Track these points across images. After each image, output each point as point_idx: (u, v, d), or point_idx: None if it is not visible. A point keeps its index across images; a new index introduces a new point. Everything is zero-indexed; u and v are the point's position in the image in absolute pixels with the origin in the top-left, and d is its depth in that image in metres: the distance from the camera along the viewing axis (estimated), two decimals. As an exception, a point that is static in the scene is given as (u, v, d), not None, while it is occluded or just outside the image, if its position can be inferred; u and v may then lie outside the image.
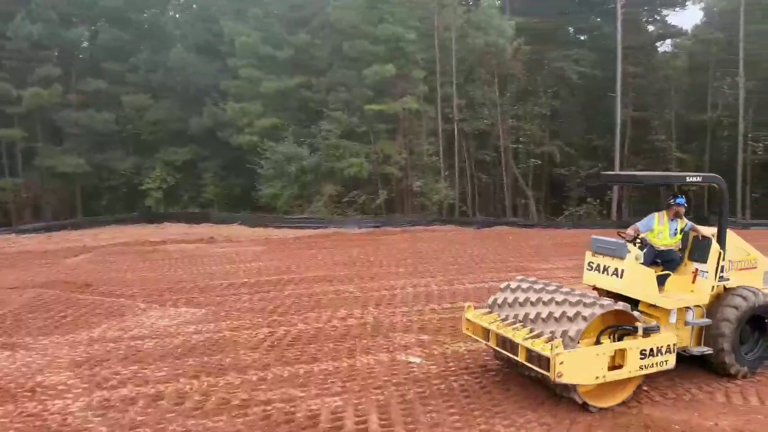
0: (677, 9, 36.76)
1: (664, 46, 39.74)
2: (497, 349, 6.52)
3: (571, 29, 36.76)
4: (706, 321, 6.68)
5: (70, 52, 31.34)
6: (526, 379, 6.72)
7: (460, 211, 30.24)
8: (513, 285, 7.05)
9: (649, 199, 36.75)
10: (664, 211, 7.22)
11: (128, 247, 20.16)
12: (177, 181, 30.85)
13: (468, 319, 7.03)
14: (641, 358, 5.90)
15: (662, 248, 7.14)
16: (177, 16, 35.88)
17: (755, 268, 7.33)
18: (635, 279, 6.52)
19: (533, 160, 31.06)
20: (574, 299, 6.15)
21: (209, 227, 26.19)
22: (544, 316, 6.14)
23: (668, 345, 6.07)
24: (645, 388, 6.44)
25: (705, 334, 6.75)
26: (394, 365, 7.37)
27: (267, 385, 6.72)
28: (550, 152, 31.85)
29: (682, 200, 7.18)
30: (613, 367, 5.83)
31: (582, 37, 36.76)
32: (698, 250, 7.12)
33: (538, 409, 5.97)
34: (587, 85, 33.35)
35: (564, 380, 5.53)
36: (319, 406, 6.05)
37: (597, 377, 5.72)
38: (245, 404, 6.13)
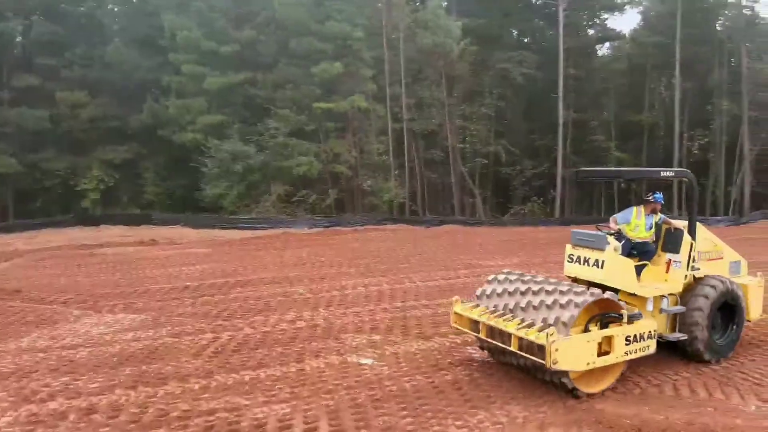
0: (616, 13, 38.29)
1: (604, 49, 41.41)
2: (487, 340, 6.65)
3: (515, 32, 37.59)
4: (681, 308, 7.06)
5: (1, 47, 29.34)
6: (479, 378, 6.68)
7: (411, 210, 30.33)
8: (500, 277, 7.20)
9: (585, 197, 38.37)
10: (642, 206, 7.56)
11: (63, 251, 19.05)
12: (115, 181, 29.39)
13: (456, 313, 7.13)
14: (626, 344, 6.18)
15: (638, 240, 7.45)
16: (115, 9, 34.29)
17: (722, 258, 7.78)
18: (615, 269, 6.79)
19: (480, 159, 31.54)
20: (564, 288, 6.40)
21: (150, 229, 25.07)
22: (535, 303, 6.31)
23: (650, 331, 6.40)
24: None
25: (679, 322, 7.09)
26: (344, 368, 7.17)
27: (210, 393, 6.37)
28: (495, 152, 32.45)
29: (660, 197, 7.50)
30: (600, 354, 6.04)
31: (525, 39, 37.66)
32: (671, 241, 7.48)
33: (490, 407, 5.92)
34: (531, 86, 34.19)
35: (559, 367, 5.68)
36: (265, 414, 5.77)
37: (588, 363, 5.93)
38: (186, 415, 5.76)
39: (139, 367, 7.24)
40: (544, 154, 34.30)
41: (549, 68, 33.11)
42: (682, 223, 7.60)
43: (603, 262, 6.82)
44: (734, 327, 7.50)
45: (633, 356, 6.29)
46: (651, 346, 6.43)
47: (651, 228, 7.47)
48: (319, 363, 7.38)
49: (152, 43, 29.99)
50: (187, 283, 12.86)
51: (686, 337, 6.99)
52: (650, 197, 7.53)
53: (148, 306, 10.69)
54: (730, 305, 7.38)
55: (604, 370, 6.27)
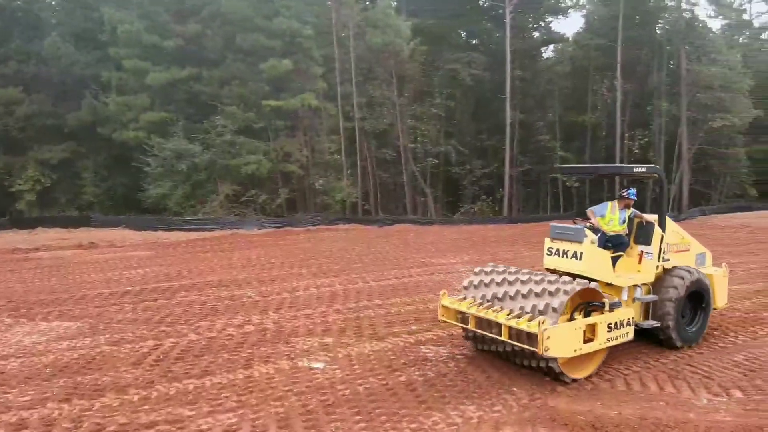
0: (560, 16, 39.36)
1: (549, 52, 42.53)
2: (476, 330, 6.88)
3: (463, 33, 38.05)
4: (653, 297, 7.48)
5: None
6: (434, 378, 6.59)
7: (363, 209, 30.17)
8: (487, 269, 7.45)
9: (531, 196, 39.36)
10: (616, 201, 7.99)
11: (-7, 255, 17.80)
12: (52, 182, 27.78)
13: (444, 306, 7.30)
14: (608, 332, 6.51)
15: (612, 233, 7.78)
16: (53, 2, 32.45)
17: (688, 250, 8.25)
18: (593, 261, 7.14)
19: (431, 159, 31.75)
20: (551, 278, 6.78)
21: (89, 232, 23.78)
22: (524, 292, 6.59)
23: (628, 319, 6.76)
24: (548, 378, 6.54)
25: (652, 310, 7.48)
26: (295, 373, 6.93)
27: (150, 405, 6.00)
28: (446, 152, 32.78)
29: (633, 193, 7.94)
30: (585, 342, 6.34)
31: (474, 41, 38.19)
32: (643, 234, 7.88)
33: (445, 408, 5.83)
34: (479, 87, 34.70)
35: (550, 354, 5.94)
36: (210, 425, 5.47)
37: (575, 350, 6.22)
38: (124, 429, 5.40)
39: (74, 378, 6.78)
40: (493, 154, 34.91)
41: (496, 70, 33.71)
42: (652, 217, 7.94)
43: (581, 253, 7.16)
44: (702, 315, 7.96)
45: (614, 343, 6.63)
46: (629, 333, 6.78)
47: (624, 222, 7.86)
48: (268, 368, 7.11)
49: (91, 38, 28.54)
50: (128, 288, 12.23)
51: (659, 324, 7.37)
52: (624, 193, 7.93)
53: (85, 313, 10.07)
54: (698, 294, 7.81)
55: (587, 357, 6.58)
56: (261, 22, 26.16)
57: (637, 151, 35.99)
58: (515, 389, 6.33)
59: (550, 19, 39.03)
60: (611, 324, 6.53)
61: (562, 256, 7.42)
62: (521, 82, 34.97)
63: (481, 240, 21.69)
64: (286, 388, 6.39)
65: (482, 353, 7.42)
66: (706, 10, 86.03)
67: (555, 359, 6.17)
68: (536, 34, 39.04)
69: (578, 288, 6.42)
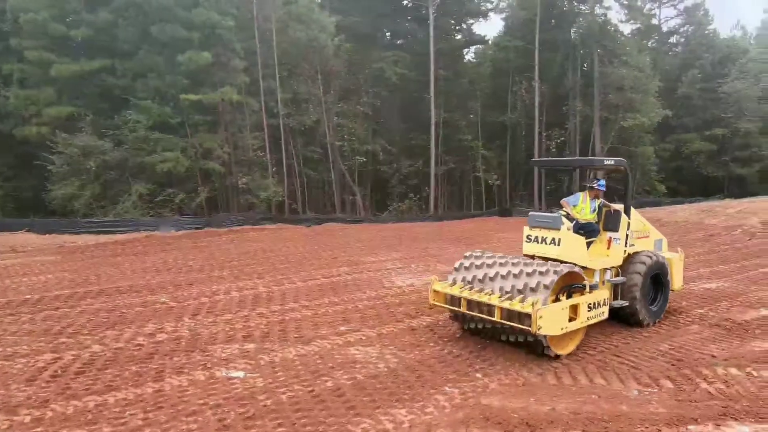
0: (481, 19, 40.24)
1: (470, 54, 43.49)
2: (469, 313, 7.28)
3: (388, 33, 38.05)
4: (622, 279, 8.18)
5: None
6: (363, 381, 6.23)
7: (290, 208, 29.35)
8: (476, 253, 7.88)
9: (456, 194, 40.14)
10: (587, 192, 8.53)
11: None
12: (-54, 183, 24.94)
13: (435, 290, 7.70)
14: (588, 311, 7.07)
15: (583, 221, 8.31)
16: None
17: (648, 237, 8.96)
18: (570, 246, 7.70)
19: (358, 157, 31.46)
20: (540, 261, 7.26)
21: (-14, 236, 21.52)
22: (515, 272, 7.04)
23: (604, 299, 7.40)
24: (479, 375, 6.38)
25: (621, 291, 8.18)
26: (212, 384, 6.34)
27: (44, 426, 5.28)
28: (373, 150, 32.63)
29: (602, 183, 8.50)
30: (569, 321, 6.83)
31: (399, 42, 38.29)
32: (611, 222, 8.47)
33: (374, 413, 5.50)
34: (405, 86, 34.82)
35: (543, 332, 6.43)
36: (111, 449, 4.83)
37: (562, 328, 6.71)
38: (5, 461, 4.65)
39: (-46, 401, 5.85)
40: (419, 152, 35.15)
41: (421, 69, 33.97)
42: (619, 206, 8.51)
43: (560, 240, 7.70)
44: (662, 295, 8.75)
45: (593, 321, 7.22)
46: (605, 312, 7.41)
47: (594, 210, 8.44)
48: (181, 380, 6.47)
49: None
50: (27, 296, 10.98)
51: (627, 304, 8.09)
52: (594, 184, 8.48)
53: (-30, 326, 8.88)
54: (658, 276, 8.58)
55: (568, 335, 7.10)
56: (179, 13, 24.70)
57: (554, 149, 37.51)
58: (447, 388, 6.12)
59: (471, 21, 39.84)
60: (590, 304, 7.10)
61: (541, 243, 7.92)
62: (445, 82, 35.46)
63: (409, 237, 21.63)
64: (201, 402, 5.82)
65: (411, 353, 7.17)
66: (618, 14, 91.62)
67: (544, 336, 6.62)
68: (459, 36, 39.70)
69: (566, 270, 6.92)
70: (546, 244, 7.85)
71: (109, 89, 25.78)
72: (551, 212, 8.44)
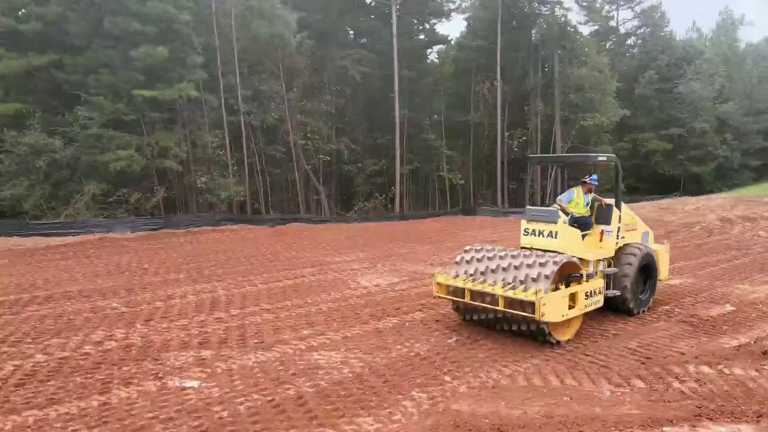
0: (444, 19, 40.24)
1: (434, 53, 43.47)
2: (472, 303, 7.51)
3: (351, 31, 37.64)
4: (614, 270, 8.51)
5: None
6: (326, 388, 5.89)
7: (253, 208, 28.63)
8: (477, 247, 8.16)
9: (421, 194, 40.12)
10: (580, 187, 8.89)
11: None
12: None
13: (439, 283, 7.96)
14: (585, 299, 7.44)
15: (577, 215, 8.65)
16: None
17: (636, 229, 9.32)
18: (567, 238, 8.02)
19: (322, 156, 30.95)
20: (539, 253, 7.55)
21: (-77, 240, 20.14)
22: (516, 264, 7.34)
23: (600, 288, 7.84)
24: (448, 378, 6.13)
25: (613, 281, 8.49)
26: (163, 395, 5.88)
27: (-27, 449, 4.75)
28: (338, 149, 32.21)
29: (594, 179, 8.91)
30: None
31: (363, 40, 37.93)
32: (603, 215, 8.88)
33: (339, 423, 5.17)
34: (369, 85, 34.51)
35: (546, 319, 6.72)
36: (46, 474, 4.35)
37: (563, 315, 7.05)
38: None
39: None
40: (384, 152, 34.89)
41: (385, 68, 33.71)
42: (610, 201, 8.94)
43: (557, 232, 8.01)
44: (650, 284, 9.16)
45: (590, 308, 7.63)
46: (600, 301, 7.85)
47: (588, 204, 8.84)
48: (130, 392, 6.00)
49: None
50: (-36, 304, 10.20)
51: (619, 293, 8.43)
52: (587, 179, 8.88)
53: None
54: (647, 267, 8.96)
55: (567, 322, 7.43)
56: (133, 6, 23.66)
57: (516, 149, 37.86)
58: (415, 393, 5.83)
59: (434, 21, 39.81)
60: (588, 292, 7.49)
61: (538, 236, 8.21)
62: (409, 82, 35.32)
63: (375, 237, 21.35)
64: (151, 415, 5.37)
65: (380, 356, 6.85)
66: (577, 16, 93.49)
67: (547, 323, 6.91)
68: (422, 36, 39.61)
69: (565, 260, 7.22)
70: (543, 236, 8.14)
71: (60, 85, 24.57)
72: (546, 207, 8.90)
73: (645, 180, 45.02)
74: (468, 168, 38.71)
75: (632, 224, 9.26)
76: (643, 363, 6.57)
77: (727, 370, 6.14)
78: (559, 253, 7.69)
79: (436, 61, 43.10)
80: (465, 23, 41.07)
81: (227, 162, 26.77)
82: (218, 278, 12.48)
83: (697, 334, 7.79)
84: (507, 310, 7.02)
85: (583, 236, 8.38)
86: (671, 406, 5.27)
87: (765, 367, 6.22)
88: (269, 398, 5.73)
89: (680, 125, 41.96)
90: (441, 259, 15.30)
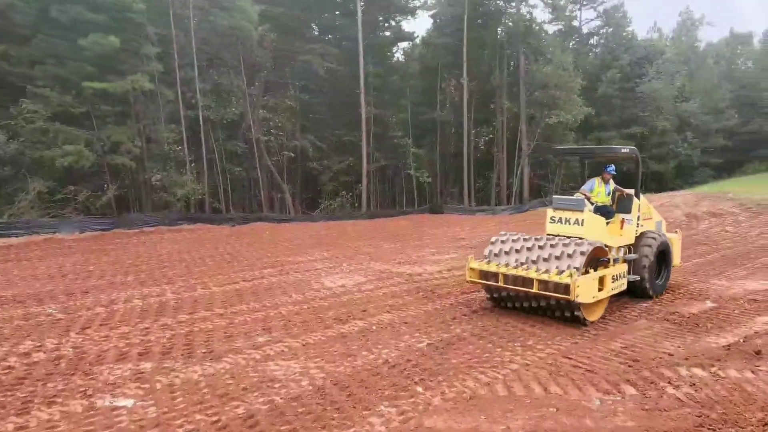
0: (409, 17, 39.63)
1: (400, 50, 42.94)
2: (505, 287, 7.94)
3: (315, 25, 36.72)
4: (635, 256, 8.99)
5: None
6: (281, 404, 5.14)
7: (212, 207, 27.45)
8: (502, 238, 8.56)
9: (388, 192, 39.55)
10: (600, 177, 9.31)
11: None
12: None
13: (472, 268, 8.39)
14: (612, 282, 7.93)
15: (599, 204, 9.04)
16: None
17: (651, 218, 9.76)
18: (592, 226, 8.39)
19: (286, 152, 29.94)
20: (566, 241, 7.94)
21: None
22: (545, 256, 7.76)
23: (623, 272, 8.40)
24: (420, 389, 5.46)
25: (633, 267, 8.90)
26: (90, 416, 5.04)
27: None
28: (302, 146, 31.27)
29: (611, 169, 9.31)
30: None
31: (329, 37, 37.05)
32: (623, 204, 9.35)
33: (296, 447, 4.43)
34: (335, 81, 33.70)
35: (579, 300, 7.12)
36: None
37: (593, 297, 7.47)
38: None
39: None
40: (350, 149, 34.11)
41: (351, 64, 32.95)
42: (630, 191, 9.41)
43: (583, 220, 8.39)
44: (666, 270, 9.68)
45: (615, 291, 8.15)
46: (624, 284, 8.42)
47: (609, 194, 9.31)
48: (52, 413, 5.13)
49: None
50: None
51: (639, 278, 8.87)
52: (605, 169, 9.28)
53: None
54: (663, 254, 9.47)
55: (596, 304, 7.81)
56: (82, -8, 22.32)
57: (483, 147, 37.69)
58: (383, 408, 5.15)
59: (399, 18, 39.19)
60: (614, 276, 7.99)
61: (565, 223, 8.59)
62: (375, 79, 34.65)
63: (341, 236, 20.60)
64: (71, 444, 4.52)
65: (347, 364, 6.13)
66: (542, 14, 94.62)
67: (579, 305, 7.33)
68: (388, 33, 39.00)
69: (592, 248, 7.58)
70: (570, 224, 8.53)
71: (3, 77, 22.91)
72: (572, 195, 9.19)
73: (607, 178, 45.37)
74: (435, 166, 38.33)
75: (648, 213, 9.71)
76: (630, 366, 6.04)
77: (721, 373, 5.66)
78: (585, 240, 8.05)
79: (403, 57, 42.60)
80: (431, 20, 40.71)
81: (184, 158, 25.55)
82: (169, 281, 11.52)
83: (681, 333, 7.35)
84: (541, 292, 7.39)
85: (606, 224, 8.75)
86: (670, 416, 4.72)
87: (760, 368, 5.78)
88: (214, 418, 4.95)
89: (642, 124, 42.49)
90: (409, 257, 14.68)
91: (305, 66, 31.24)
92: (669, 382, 5.47)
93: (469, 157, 36.55)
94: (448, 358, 6.44)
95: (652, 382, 5.49)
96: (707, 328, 7.55)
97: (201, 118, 26.30)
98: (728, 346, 6.62)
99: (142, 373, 6.16)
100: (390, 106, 36.65)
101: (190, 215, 24.58)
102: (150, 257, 15.03)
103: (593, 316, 7.85)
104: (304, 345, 6.99)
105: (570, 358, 6.37)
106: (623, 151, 9.21)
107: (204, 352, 6.79)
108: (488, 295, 8.83)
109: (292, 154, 30.46)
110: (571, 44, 45.88)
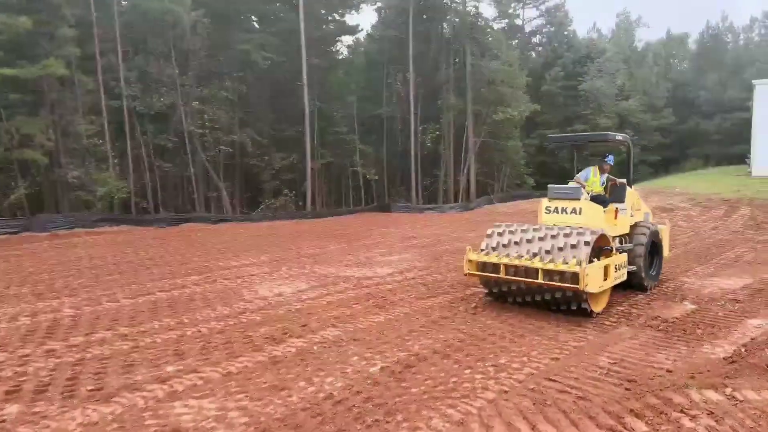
0: (353, 12, 38.26)
1: (345, 44, 41.51)
2: (507, 278, 7.51)
3: (254, 17, 34.69)
4: (630, 246, 8.72)
5: None
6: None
7: (139, 207, 25.12)
8: (499, 230, 8.14)
9: (334, 190, 38.10)
10: (597, 166, 9.14)
11: None
12: None
13: (470, 260, 7.94)
14: (615, 271, 7.57)
15: (595, 194, 8.83)
16: None
17: (640, 210, 9.58)
18: (591, 214, 8.14)
19: (223, 148, 27.88)
20: (567, 230, 7.52)
21: None
22: (548, 248, 7.33)
23: (624, 262, 8.06)
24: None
25: (628, 257, 8.42)
26: None
27: None
28: (241, 141, 29.30)
29: (611, 159, 9.11)
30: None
31: (269, 29, 35.08)
32: (617, 194, 9.11)
33: None
34: (276, 73, 31.92)
35: (588, 289, 6.75)
36: None
37: (600, 286, 7.14)
38: None
39: None
40: (294, 145, 32.38)
41: (293, 57, 31.23)
42: (622, 180, 9.24)
43: (581, 209, 8.16)
44: (657, 261, 9.53)
45: (617, 281, 7.81)
46: (624, 274, 8.08)
47: (603, 184, 9.12)
48: None
49: None
50: None
51: (635, 268, 8.52)
52: (603, 159, 9.09)
53: None
54: (655, 244, 9.32)
55: (599, 294, 7.50)
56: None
57: (429, 144, 36.81)
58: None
59: (342, 11, 37.75)
60: (616, 265, 7.67)
61: (561, 213, 8.30)
62: (319, 72, 33.06)
63: (282, 237, 19.02)
64: None
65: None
66: (488, 8, 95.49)
67: (587, 295, 7.04)
68: (332, 26, 37.46)
69: (595, 237, 7.24)
70: (567, 213, 8.23)
71: None
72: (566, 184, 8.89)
73: (551, 176, 45.74)
74: (382, 163, 37.17)
75: (638, 204, 9.48)
76: (628, 389, 4.95)
77: (738, 395, 4.66)
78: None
79: (348, 51, 41.25)
80: (376, 14, 39.51)
81: (107, 153, 23.17)
82: (71, 292, 9.69)
83: (671, 342, 6.38)
84: (547, 283, 7.02)
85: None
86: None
87: (781, 388, 4.83)
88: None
89: (584, 121, 42.92)
90: (357, 259, 13.35)
91: (244, 57, 29.30)
92: (682, 411, 4.40)
93: (416, 154, 35.58)
94: (408, 386, 5.16)
95: (662, 413, 4.40)
96: (697, 335, 6.63)
97: (126, 109, 23.98)
98: (731, 358, 5.69)
99: (2, 422, 4.55)
100: (335, 101, 35.15)
101: (113, 216, 22.30)
102: (58, 264, 13.01)
103: (598, 307, 7.58)
104: (224, 375, 5.52)
105: (554, 381, 5.23)
106: (618, 138, 9.03)
107: (91, 390, 5.21)
108: (486, 290, 8.44)
109: (230, 150, 28.43)
110: (514, 42, 45.86)
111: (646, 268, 8.85)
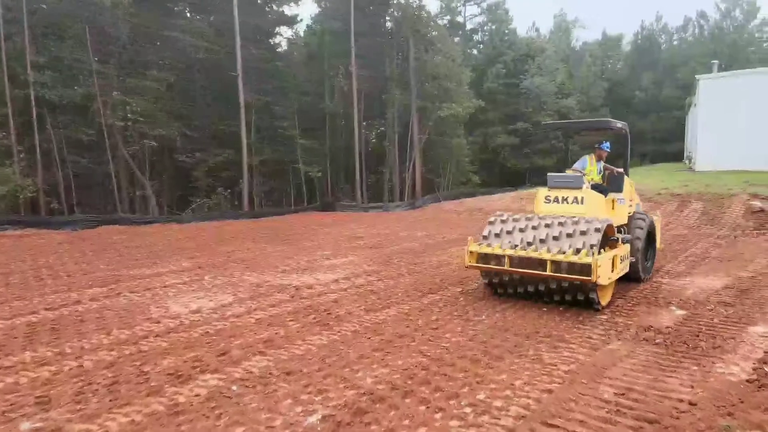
0: (291, 3, 36.32)
1: (286, 35, 39.55)
2: (512, 270, 7.11)
3: (185, 4, 32.17)
4: (629, 237, 8.31)
5: None
6: None
7: (49, 207, 22.36)
8: (502, 218, 7.78)
9: (275, 189, 36.16)
10: (593, 154, 8.86)
11: None
12: None
13: (472, 252, 7.53)
14: (620, 263, 7.49)
15: (592, 183, 8.47)
16: None
17: (633, 200, 9.34)
18: (594, 203, 7.85)
19: (148, 142, 25.39)
20: (575, 218, 7.29)
21: None
22: (555, 234, 7.10)
23: (626, 254, 7.87)
24: None
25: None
26: None
27: None
28: (169, 136, 26.88)
29: (606, 146, 8.90)
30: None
31: (200, 16, 32.66)
32: (614, 183, 8.85)
33: None
34: (209, 63, 29.68)
35: (599, 281, 6.53)
36: None
37: (609, 277, 6.98)
38: None
39: None
40: (230, 141, 30.20)
41: (228, 46, 29.08)
42: (619, 169, 8.98)
43: (583, 198, 7.81)
44: (652, 252, 9.40)
45: (621, 273, 7.57)
46: (627, 266, 7.83)
47: (601, 172, 8.86)
48: None
49: None
50: None
51: (635, 260, 8.27)
52: (598, 146, 8.83)
53: None
54: (650, 235, 9.16)
55: (606, 287, 7.16)
56: None
57: (374, 140, 35.60)
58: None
59: (280, 1, 35.78)
60: (621, 257, 7.39)
61: (562, 203, 7.96)
62: (257, 63, 31.03)
63: (213, 239, 17.14)
64: None
65: None
66: (432, 4, 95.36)
67: (596, 287, 6.75)
68: (270, 16, 35.44)
69: (605, 225, 6.95)
70: (568, 203, 7.89)
71: None
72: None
73: (494, 174, 45.73)
74: (326, 160, 35.57)
75: (633, 194, 9.29)
76: (645, 435, 3.77)
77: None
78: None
79: (288, 42, 39.26)
80: (316, 5, 37.83)
81: (11, 147, 20.40)
82: (-71, 314, 7.64)
83: (676, 360, 5.30)
84: (555, 274, 6.72)
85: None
86: None
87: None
88: None
89: (526, 119, 43.06)
90: (297, 263, 11.80)
91: (174, 45, 26.91)
92: (738, 472, 3.25)
93: (360, 151, 34.20)
94: (359, 445, 3.76)
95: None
96: (702, 349, 5.59)
97: (33, 98, 21.24)
98: (757, 381, 4.64)
99: None
100: (275, 94, 33.20)
101: (18, 218, 19.58)
102: (-71, 277, 10.70)
103: (604, 300, 7.26)
104: (130, 421, 3.92)
105: (553, 425, 3.96)
106: (617, 125, 8.62)
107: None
108: (486, 280, 8.03)
109: (155, 144, 25.97)
110: (456, 39, 45.42)
111: (643, 259, 8.71)
